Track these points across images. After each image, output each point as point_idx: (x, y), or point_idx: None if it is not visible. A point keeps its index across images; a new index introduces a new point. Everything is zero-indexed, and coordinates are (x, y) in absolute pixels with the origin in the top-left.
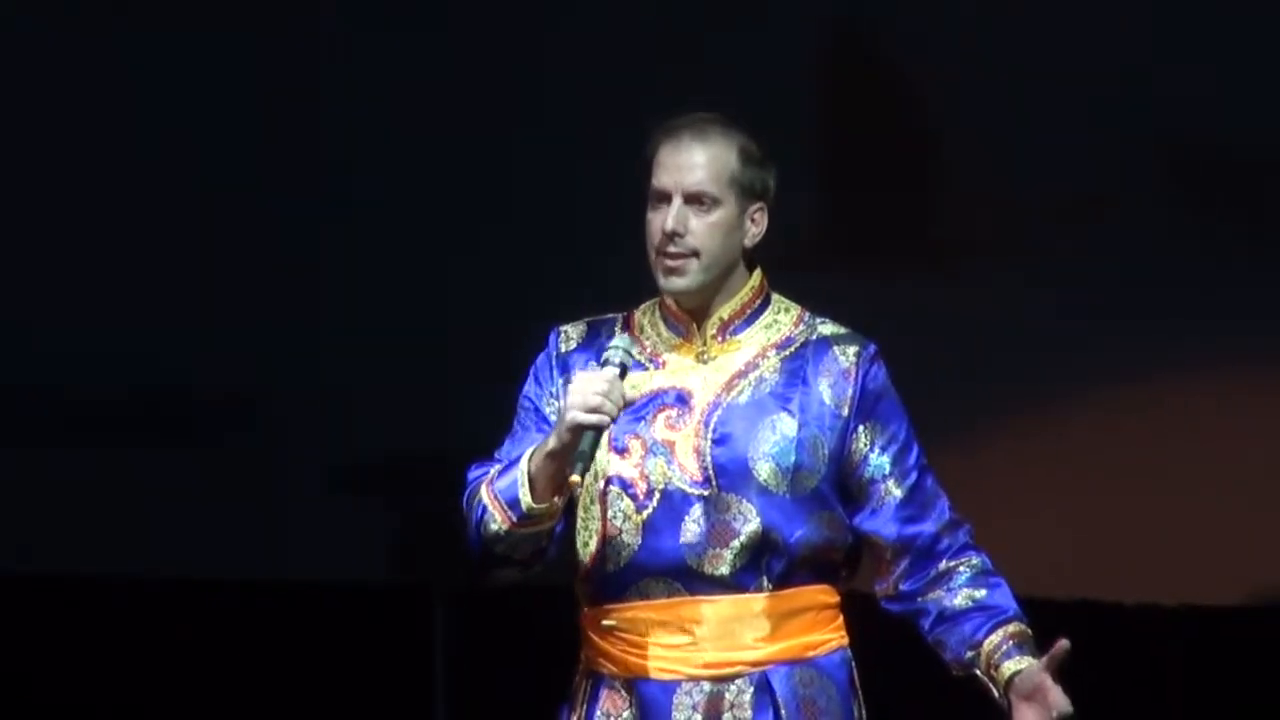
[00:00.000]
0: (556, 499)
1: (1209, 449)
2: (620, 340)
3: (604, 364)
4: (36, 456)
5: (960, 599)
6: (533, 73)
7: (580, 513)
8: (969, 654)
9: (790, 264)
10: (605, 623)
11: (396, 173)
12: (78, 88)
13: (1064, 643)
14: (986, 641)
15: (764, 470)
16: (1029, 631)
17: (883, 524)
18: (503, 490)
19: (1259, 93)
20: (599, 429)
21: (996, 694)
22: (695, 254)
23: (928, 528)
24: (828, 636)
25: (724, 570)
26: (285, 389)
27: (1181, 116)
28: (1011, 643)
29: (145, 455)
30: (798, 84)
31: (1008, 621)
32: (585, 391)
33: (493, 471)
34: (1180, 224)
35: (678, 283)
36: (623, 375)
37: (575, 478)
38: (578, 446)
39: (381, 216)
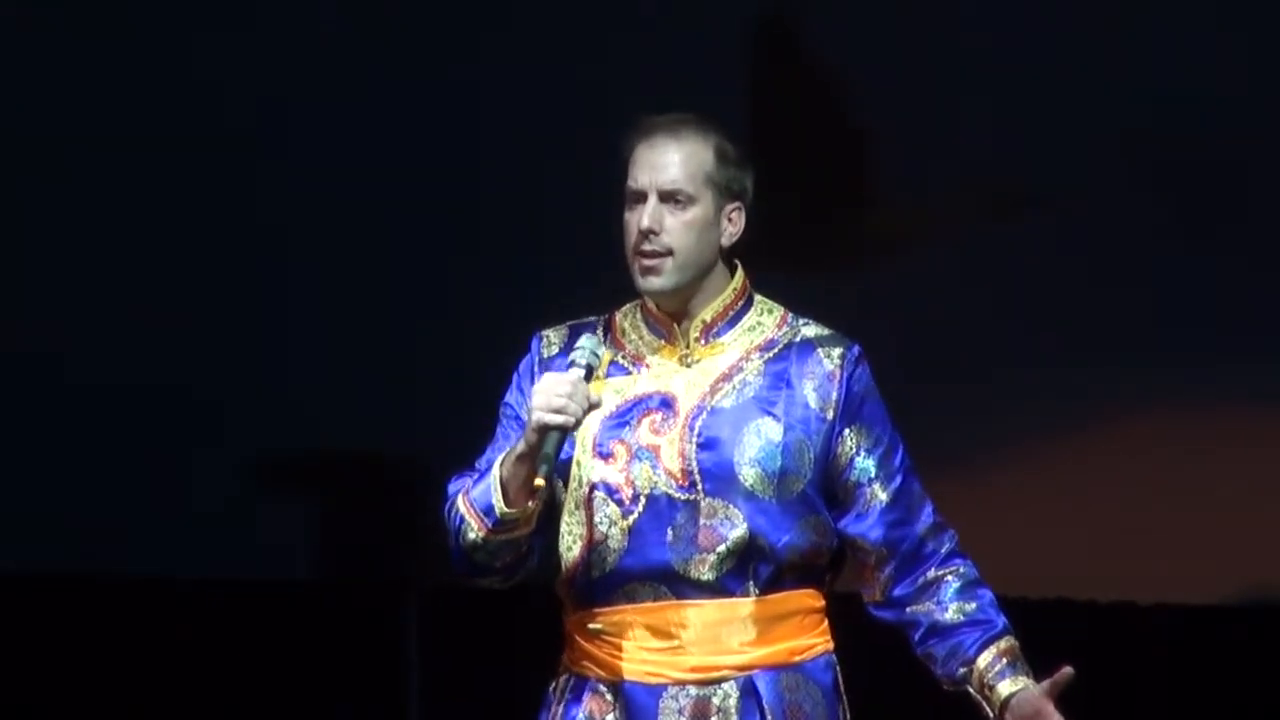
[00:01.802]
0: (530, 503)
1: (1143, 438)
2: (586, 342)
3: (570, 365)
4: None
5: (950, 613)
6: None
7: (565, 518)
8: (961, 670)
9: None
10: (591, 626)
11: (341, 164)
12: None
13: (1068, 670)
14: (979, 659)
15: (750, 475)
16: (1018, 646)
17: (869, 528)
18: (477, 498)
19: (1195, 84)
20: (563, 430)
21: (990, 713)
22: (670, 252)
23: (914, 531)
24: (813, 641)
25: (709, 575)
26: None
27: (1123, 108)
28: (1005, 661)
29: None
30: (726, 78)
31: (999, 637)
32: (549, 392)
33: (469, 481)
34: (1124, 216)
35: (654, 282)
36: (588, 376)
37: (539, 480)
38: (542, 448)
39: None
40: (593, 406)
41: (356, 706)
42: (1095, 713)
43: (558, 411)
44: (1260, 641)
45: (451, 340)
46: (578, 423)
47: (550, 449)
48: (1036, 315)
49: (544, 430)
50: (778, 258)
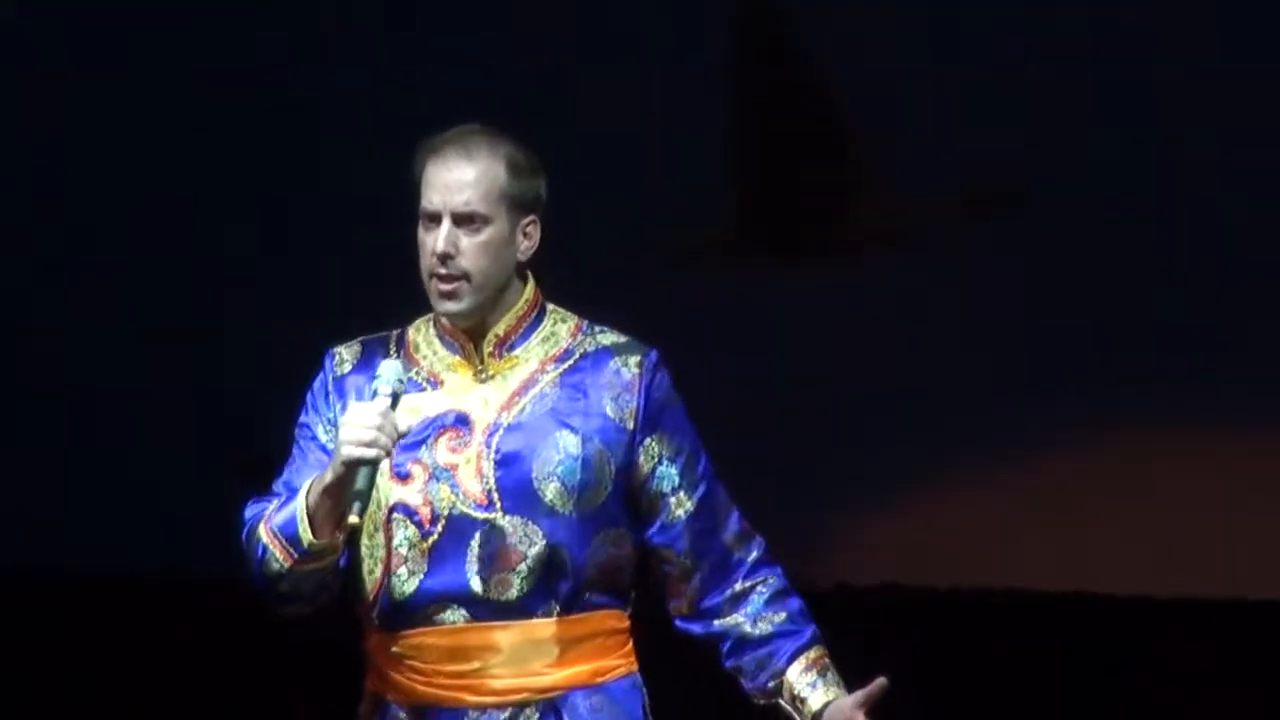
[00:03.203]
0: (337, 535)
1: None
2: (390, 368)
3: (374, 394)
4: None
5: (759, 625)
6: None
7: (364, 540)
8: (771, 683)
9: (704, 257)
10: (393, 650)
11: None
12: None
13: (882, 680)
14: (789, 670)
15: (549, 490)
16: (828, 655)
17: (674, 538)
18: (282, 528)
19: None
20: (374, 464)
21: None
22: (467, 276)
23: (720, 540)
24: (617, 662)
25: (512, 594)
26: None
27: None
28: (814, 671)
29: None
30: (713, 77)
31: (807, 647)
32: (358, 425)
33: (270, 508)
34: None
35: (452, 306)
36: (394, 404)
37: (353, 519)
38: (354, 484)
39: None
40: (401, 436)
41: None
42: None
43: (368, 445)
44: None
45: None
46: (388, 454)
47: (363, 484)
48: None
49: (354, 465)
50: (762, 253)
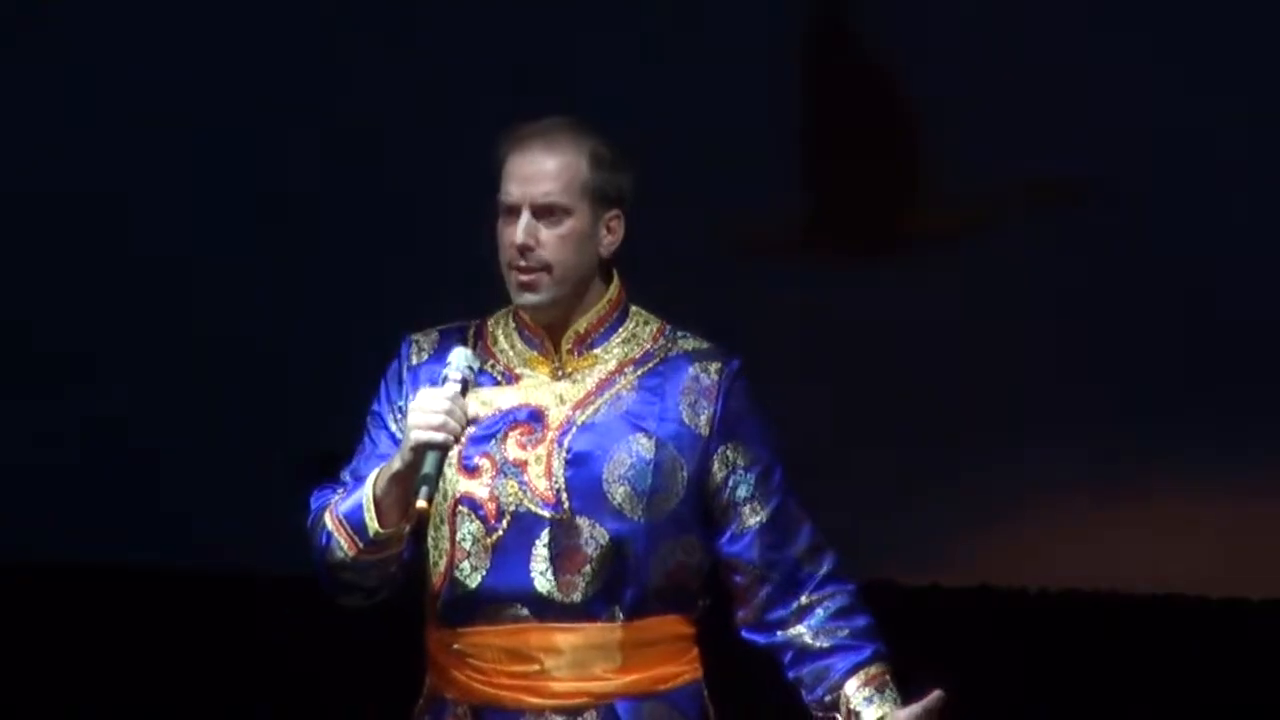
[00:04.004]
0: (404, 524)
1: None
2: (461, 354)
3: (444, 380)
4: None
5: (820, 639)
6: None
7: (431, 532)
8: (828, 697)
9: (772, 253)
10: (455, 647)
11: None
12: None
13: (938, 693)
14: (846, 685)
15: (618, 493)
16: (889, 672)
17: (745, 549)
18: (348, 515)
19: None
20: (443, 448)
21: None
22: (548, 268)
23: (791, 553)
24: (680, 669)
25: (575, 597)
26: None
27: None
28: (871, 687)
29: None
30: (783, 73)
31: (868, 663)
32: (427, 410)
33: (337, 496)
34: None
35: (531, 298)
36: (464, 391)
37: (421, 503)
38: (422, 468)
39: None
40: (471, 422)
41: None
42: None
43: (436, 429)
44: None
45: None
46: (457, 440)
47: (431, 469)
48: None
49: (422, 449)
50: (829, 249)
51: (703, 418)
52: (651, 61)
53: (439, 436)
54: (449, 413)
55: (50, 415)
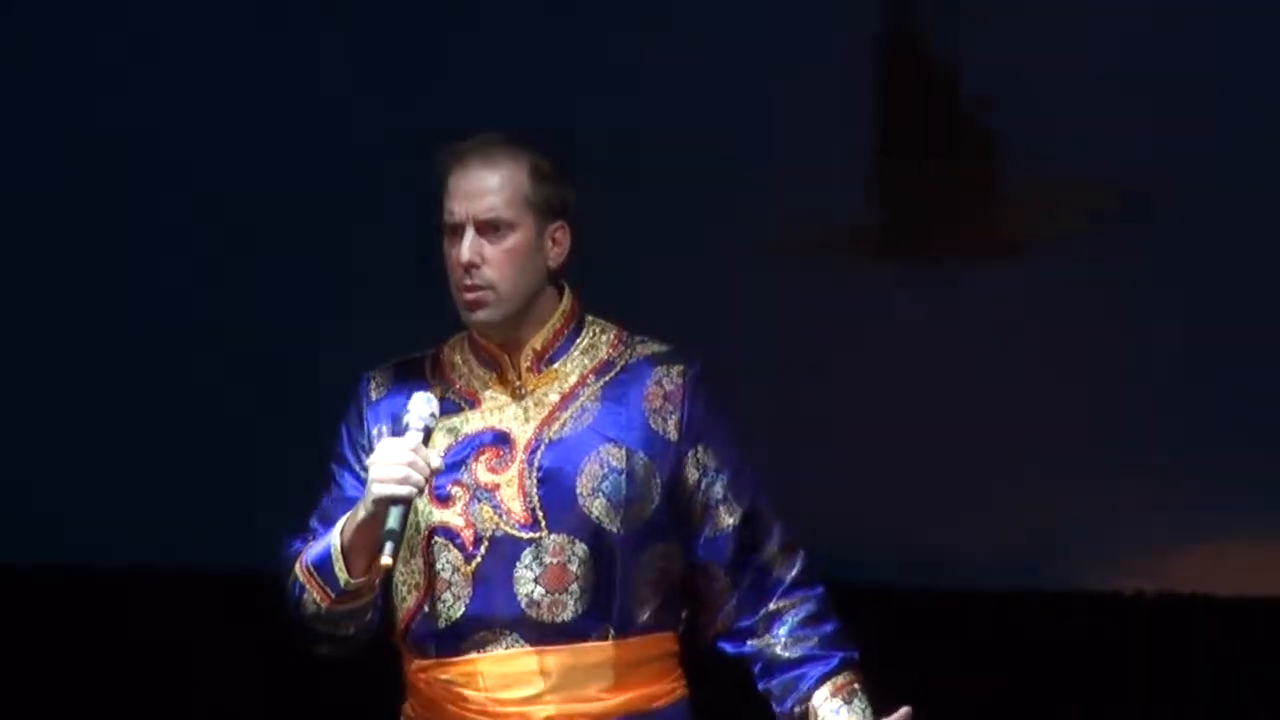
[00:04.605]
0: (373, 575)
1: None
2: (421, 401)
3: (405, 429)
4: None
5: (789, 648)
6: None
7: (399, 566)
8: (797, 709)
9: (843, 255)
10: (442, 678)
11: None
12: None
13: (906, 710)
14: (814, 696)
15: (594, 506)
16: (859, 679)
17: (719, 551)
18: (318, 567)
19: None
20: (406, 501)
21: None
22: (495, 285)
23: (763, 555)
24: (670, 686)
25: (565, 616)
26: None
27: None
28: (839, 698)
29: None
30: (855, 84)
31: (835, 673)
32: (389, 462)
33: (306, 547)
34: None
35: (481, 315)
36: (426, 439)
37: (386, 560)
38: (385, 523)
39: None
40: (434, 472)
41: None
42: None
43: (399, 483)
44: None
45: None
46: (421, 490)
47: (395, 524)
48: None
49: (385, 503)
50: (901, 255)
51: (670, 422)
52: (722, 70)
53: (402, 490)
54: (411, 464)
55: None
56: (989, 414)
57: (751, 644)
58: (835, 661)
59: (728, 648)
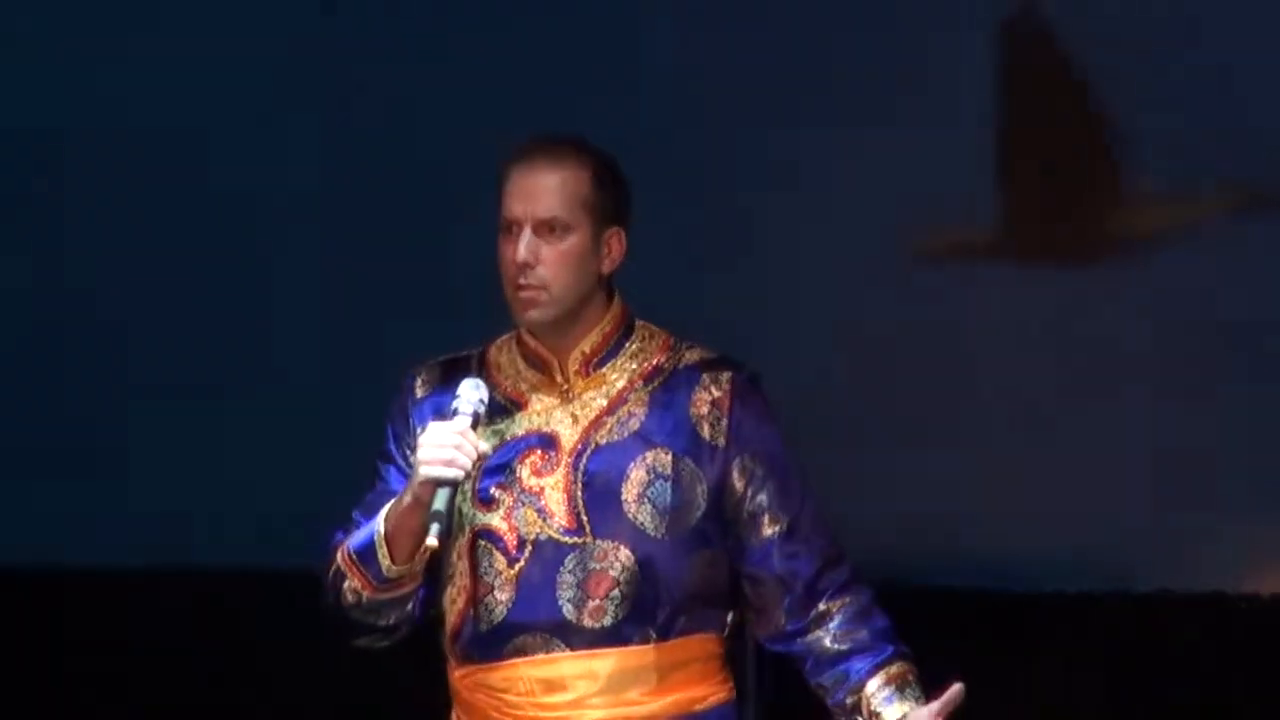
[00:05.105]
0: (417, 561)
1: None
2: (470, 387)
3: (454, 413)
4: None
5: (839, 642)
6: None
7: (446, 569)
8: (850, 699)
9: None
10: (485, 682)
11: None
12: None
13: (958, 686)
14: (867, 685)
15: (640, 513)
16: (912, 671)
17: (765, 559)
18: (360, 554)
19: None
20: (454, 484)
21: None
22: (547, 286)
23: (810, 564)
24: (713, 689)
25: (606, 622)
26: None
27: None
28: (892, 686)
29: None
30: (976, 74)
31: (888, 663)
32: (436, 444)
33: (349, 536)
34: None
35: (533, 314)
36: (475, 425)
37: (432, 541)
38: (432, 505)
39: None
40: (482, 456)
41: None
42: None
43: (446, 464)
44: None
45: None
46: (468, 475)
47: (441, 506)
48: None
49: (432, 485)
50: (1026, 254)
51: (718, 429)
52: (840, 66)
53: (449, 472)
54: (459, 447)
55: None
56: (1128, 418)
57: (801, 641)
58: (889, 652)
59: (777, 647)
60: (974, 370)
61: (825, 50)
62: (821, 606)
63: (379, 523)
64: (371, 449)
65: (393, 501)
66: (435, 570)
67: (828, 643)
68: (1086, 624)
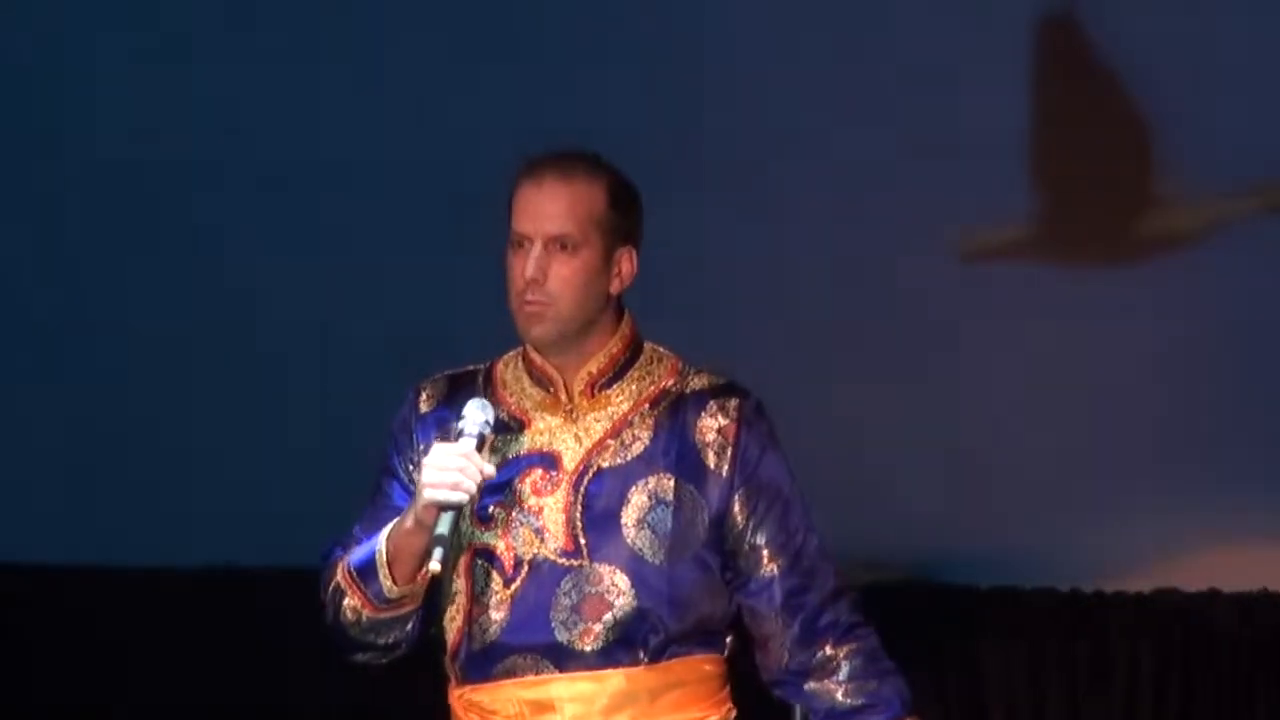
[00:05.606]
0: (419, 583)
1: None
2: (475, 407)
3: (459, 435)
4: None
5: (851, 697)
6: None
7: (445, 587)
8: None
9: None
10: (477, 701)
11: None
12: None
13: None
14: None
15: (639, 538)
16: None
17: (766, 593)
18: (361, 572)
19: None
20: (458, 508)
21: None
22: (557, 301)
23: (812, 599)
24: (711, 709)
25: (598, 645)
26: None
27: None
28: None
29: None
30: (1010, 75)
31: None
32: (441, 467)
33: (349, 553)
34: None
35: (538, 330)
36: (480, 446)
37: (434, 565)
38: (435, 528)
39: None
40: (487, 479)
41: None
42: None
43: (451, 488)
44: None
45: None
46: (473, 499)
47: (444, 530)
48: None
49: (435, 509)
50: (1061, 253)
51: (723, 457)
52: (877, 67)
53: (454, 496)
54: (463, 470)
55: None
56: (1157, 416)
57: (809, 688)
58: (895, 707)
59: (786, 694)
60: (999, 369)
61: (859, 50)
62: (828, 650)
63: (381, 542)
64: (373, 452)
65: (395, 521)
66: (435, 589)
67: (839, 695)
68: (1087, 624)
